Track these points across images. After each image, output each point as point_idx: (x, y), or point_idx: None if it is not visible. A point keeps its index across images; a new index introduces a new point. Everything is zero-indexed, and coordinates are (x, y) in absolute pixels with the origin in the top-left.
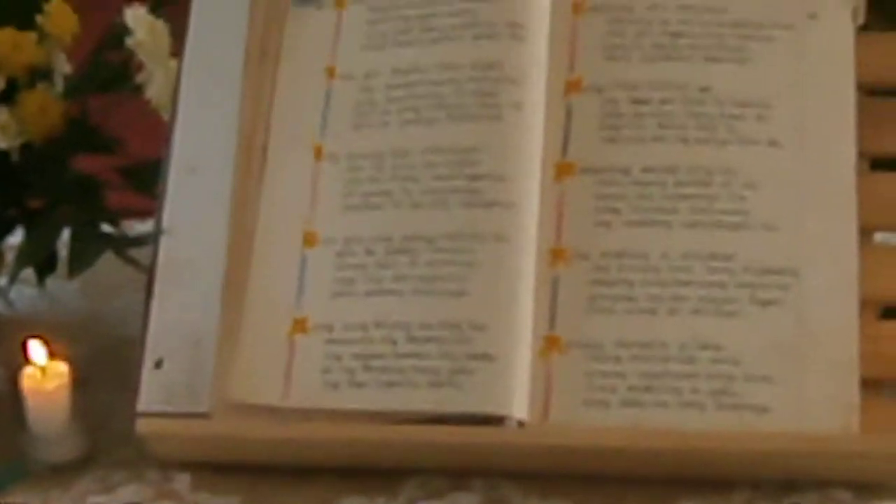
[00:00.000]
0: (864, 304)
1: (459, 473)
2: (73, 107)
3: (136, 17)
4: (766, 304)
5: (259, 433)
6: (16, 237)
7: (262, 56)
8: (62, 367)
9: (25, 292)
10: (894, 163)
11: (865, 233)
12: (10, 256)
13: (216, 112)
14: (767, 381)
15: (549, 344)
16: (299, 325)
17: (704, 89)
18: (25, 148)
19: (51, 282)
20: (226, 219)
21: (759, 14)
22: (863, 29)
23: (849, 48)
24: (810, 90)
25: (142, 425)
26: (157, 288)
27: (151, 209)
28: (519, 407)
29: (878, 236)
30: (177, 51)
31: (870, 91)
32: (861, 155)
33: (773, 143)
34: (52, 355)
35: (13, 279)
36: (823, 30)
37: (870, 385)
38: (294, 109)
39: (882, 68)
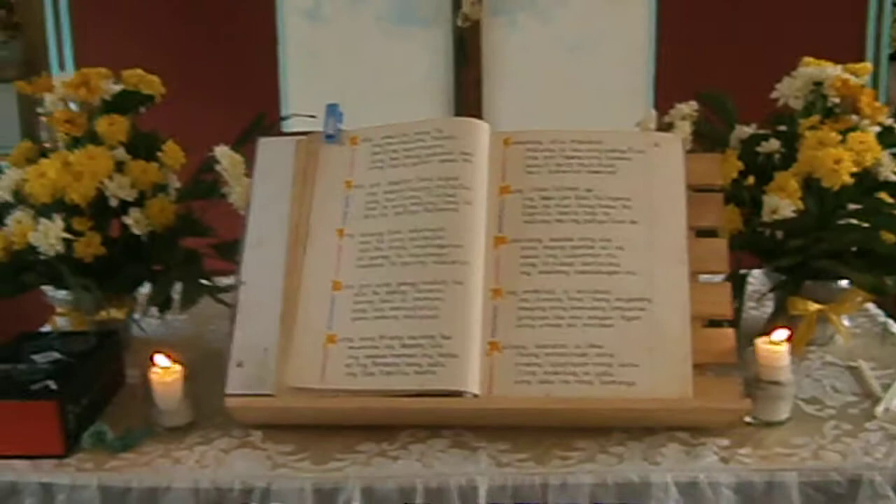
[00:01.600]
0: (694, 318)
1: (435, 427)
2: (182, 208)
3: (222, 152)
4: (630, 319)
5: (304, 405)
6: (143, 288)
7: (304, 175)
8: (177, 367)
9: (152, 322)
10: (709, 232)
11: (693, 275)
12: (141, 301)
13: (274, 209)
14: (633, 366)
15: (491, 346)
16: (330, 339)
17: (589, 190)
18: (151, 234)
19: (168, 316)
20: (281, 274)
21: (623, 144)
22: (689, 152)
23: (680, 163)
24: (656, 189)
25: (228, 402)
26: (238, 318)
27: (233, 269)
28: (473, 385)
29: (702, 277)
30: (249, 172)
31: (694, 188)
32: (689, 227)
33: (633, 222)
34: (171, 360)
35: (144, 314)
36: (664, 153)
37: (698, 368)
38: (325, 207)
39: (700, 174)
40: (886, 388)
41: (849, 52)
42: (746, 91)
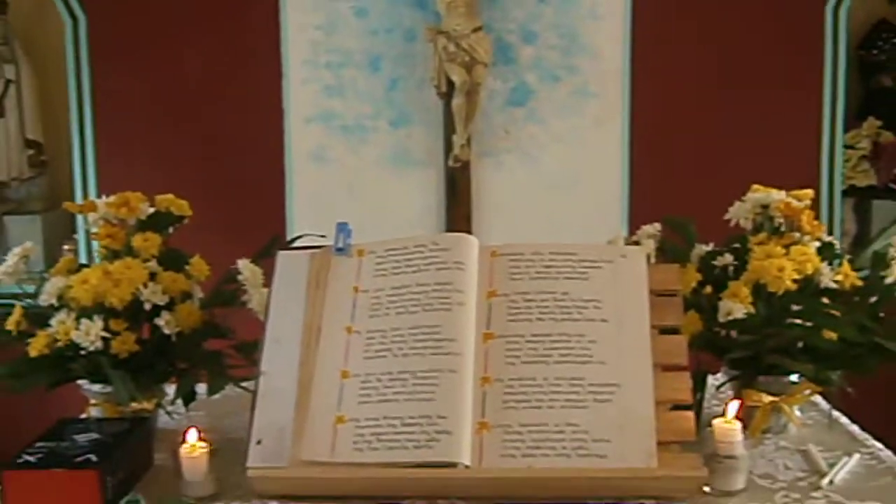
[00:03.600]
0: (659, 402)
1: (432, 497)
2: (206, 313)
3: (244, 264)
4: (602, 401)
5: (316, 476)
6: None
7: (317, 282)
8: (203, 445)
9: (180, 410)
10: (672, 330)
11: (658, 366)
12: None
13: (291, 311)
14: (605, 441)
15: (481, 426)
16: (339, 419)
17: (565, 293)
18: (178, 334)
19: (190, 410)
20: (296, 365)
21: (595, 255)
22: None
23: (644, 272)
24: (623, 293)
25: (250, 473)
26: (258, 402)
27: (251, 371)
28: (465, 457)
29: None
30: (265, 282)
31: (656, 293)
32: (652, 326)
33: (603, 320)
34: (199, 437)
35: (172, 403)
36: (630, 263)
37: (663, 444)
38: (335, 308)
39: (662, 281)
40: (832, 465)
41: (805, 184)
42: (712, 217)
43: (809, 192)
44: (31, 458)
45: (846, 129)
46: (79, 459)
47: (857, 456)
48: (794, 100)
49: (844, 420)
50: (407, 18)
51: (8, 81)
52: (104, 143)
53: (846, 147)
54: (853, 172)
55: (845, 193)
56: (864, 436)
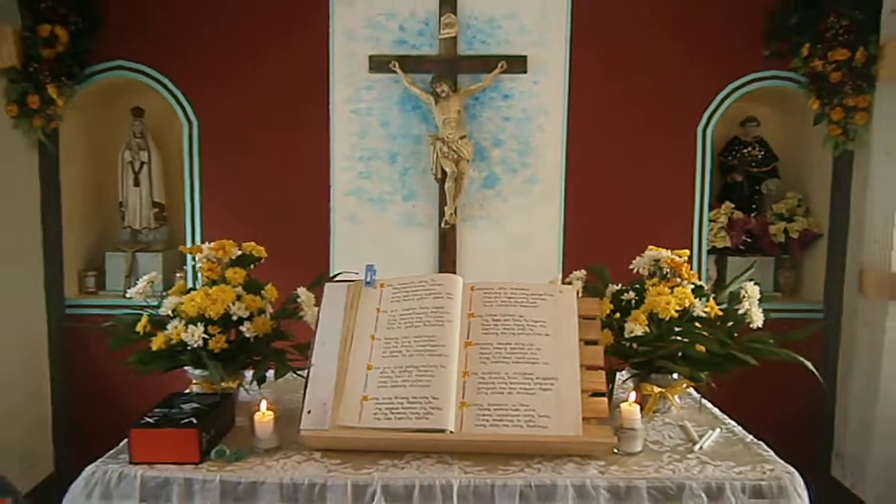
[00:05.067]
0: (583, 391)
1: (427, 452)
2: (275, 323)
3: (301, 290)
4: (546, 389)
5: (347, 436)
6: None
7: (352, 305)
8: (270, 413)
9: (254, 389)
10: (592, 342)
11: (583, 367)
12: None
13: (333, 324)
14: (547, 417)
15: (461, 405)
16: (364, 398)
17: (520, 316)
18: (255, 337)
19: (262, 388)
20: (336, 360)
21: (541, 290)
22: (580, 296)
23: (574, 302)
24: (560, 317)
25: (302, 433)
26: (309, 385)
27: (307, 360)
28: (451, 426)
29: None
30: (316, 304)
31: (583, 317)
32: (580, 339)
33: (547, 335)
34: (267, 408)
35: (249, 384)
36: (565, 296)
37: (586, 420)
38: (363, 323)
39: (587, 309)
40: (701, 436)
41: (683, 245)
42: (620, 265)
43: (686, 251)
44: (150, 420)
45: (710, 208)
46: (184, 421)
47: (718, 430)
48: (676, 187)
49: (709, 405)
50: (415, 128)
51: (142, 163)
52: (207, 205)
53: (710, 220)
54: (714, 238)
55: (709, 252)
56: (723, 416)
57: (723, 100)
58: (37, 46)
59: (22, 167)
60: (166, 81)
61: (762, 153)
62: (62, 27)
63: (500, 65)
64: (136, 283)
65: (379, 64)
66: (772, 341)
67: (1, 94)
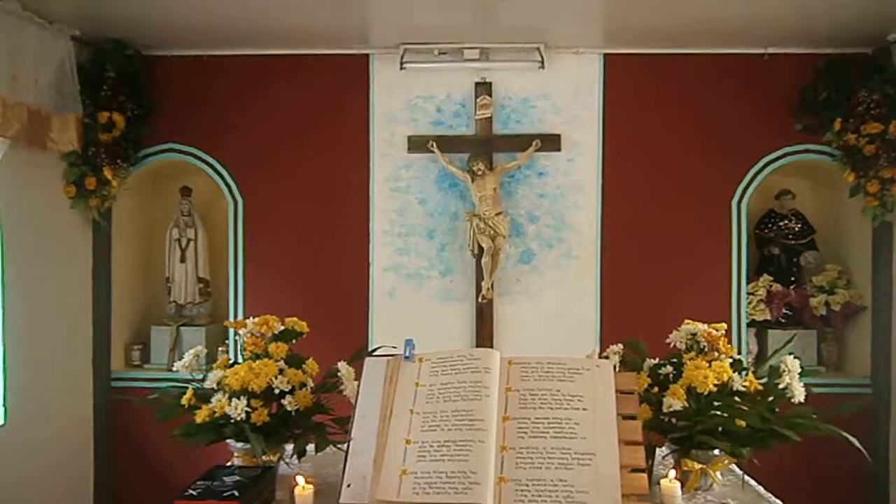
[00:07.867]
0: (623, 467)
1: None
2: (316, 397)
3: (342, 365)
4: (584, 465)
5: None
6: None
7: (391, 379)
8: (310, 486)
9: (295, 462)
10: (631, 417)
11: (622, 442)
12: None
13: (373, 397)
14: (585, 493)
15: (500, 480)
16: (403, 472)
17: (558, 390)
18: (296, 411)
19: (301, 462)
20: (375, 434)
21: (578, 365)
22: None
23: (612, 377)
24: (598, 391)
25: None
26: (349, 458)
27: (347, 433)
28: (488, 501)
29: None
30: (356, 377)
31: (620, 391)
32: (618, 414)
33: (584, 409)
34: (307, 481)
35: (290, 457)
36: (602, 371)
37: (625, 497)
38: (402, 396)
39: (624, 384)
40: None
41: (722, 318)
42: (657, 339)
43: (723, 325)
44: (193, 492)
45: (748, 281)
46: (226, 494)
47: None
48: (713, 261)
49: (752, 482)
50: (452, 205)
51: (189, 240)
52: (251, 281)
53: (749, 293)
54: (753, 311)
55: (749, 325)
56: (767, 494)
57: (756, 173)
58: (96, 131)
59: (77, 244)
60: (214, 162)
61: (799, 225)
62: (119, 114)
63: (534, 143)
64: (179, 357)
65: (417, 144)
66: (815, 416)
67: (60, 176)
